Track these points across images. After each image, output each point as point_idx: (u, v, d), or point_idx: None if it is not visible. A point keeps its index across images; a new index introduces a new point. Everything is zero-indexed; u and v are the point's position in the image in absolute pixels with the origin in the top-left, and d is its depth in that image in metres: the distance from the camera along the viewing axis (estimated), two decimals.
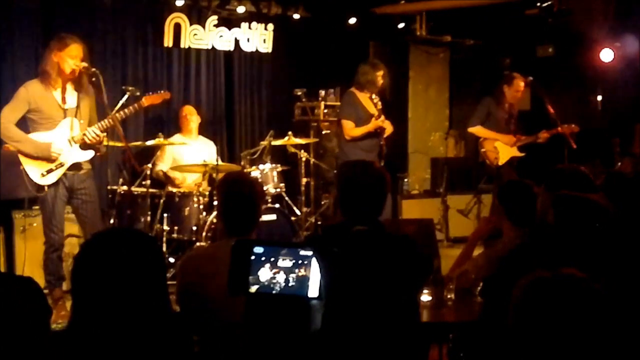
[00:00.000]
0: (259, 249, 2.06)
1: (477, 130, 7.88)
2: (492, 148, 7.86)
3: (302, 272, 2.02)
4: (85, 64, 5.58)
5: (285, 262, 2.03)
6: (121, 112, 5.84)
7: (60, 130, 5.63)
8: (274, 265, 2.03)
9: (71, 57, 5.55)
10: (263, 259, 2.04)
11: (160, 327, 1.97)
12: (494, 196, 6.99)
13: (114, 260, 1.95)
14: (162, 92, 6.40)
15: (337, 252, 2.13)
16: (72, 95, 5.68)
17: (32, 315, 2.62)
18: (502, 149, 7.85)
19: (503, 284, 2.82)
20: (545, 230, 3.18)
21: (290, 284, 2.02)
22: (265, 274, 2.03)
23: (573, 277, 1.91)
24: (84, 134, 5.65)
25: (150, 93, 6.28)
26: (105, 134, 5.73)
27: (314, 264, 2.03)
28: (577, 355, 1.84)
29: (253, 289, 2.04)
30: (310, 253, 2.04)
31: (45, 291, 5.42)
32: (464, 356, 3.62)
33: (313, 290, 2.03)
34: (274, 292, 2.03)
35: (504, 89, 7.82)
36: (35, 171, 5.57)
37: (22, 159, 5.58)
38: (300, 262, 2.02)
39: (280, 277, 2.03)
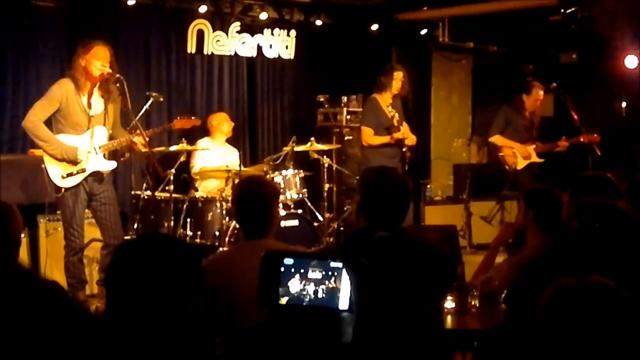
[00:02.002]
0: (288, 261, 2.03)
1: (496, 139, 7.94)
2: (510, 153, 7.88)
3: (333, 284, 1.99)
4: (109, 70, 5.60)
5: (315, 274, 2.01)
6: (150, 131, 5.97)
7: (88, 136, 5.66)
8: (304, 276, 2.01)
9: (97, 58, 5.57)
10: (293, 270, 2.02)
11: (188, 331, 1.97)
12: (518, 202, 6.95)
13: (152, 266, 1.95)
14: (193, 118, 6.61)
15: (368, 264, 2.11)
16: (99, 102, 5.71)
17: (56, 318, 2.64)
18: (520, 154, 7.86)
19: (528, 291, 2.81)
20: (570, 237, 3.16)
21: (320, 296, 1.99)
22: (295, 285, 2.01)
23: (602, 285, 1.89)
24: (135, 141, 5.73)
25: (181, 117, 6.51)
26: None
27: (345, 276, 2.00)
28: None
29: (283, 300, 2.02)
30: (340, 265, 2.01)
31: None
32: None
33: (343, 303, 2.00)
34: (303, 303, 2.01)
35: (523, 97, 7.82)
36: (56, 172, 5.60)
37: (45, 157, 5.60)
38: (330, 273, 2.00)
39: (310, 289, 2.00)
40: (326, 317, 2.04)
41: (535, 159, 7.89)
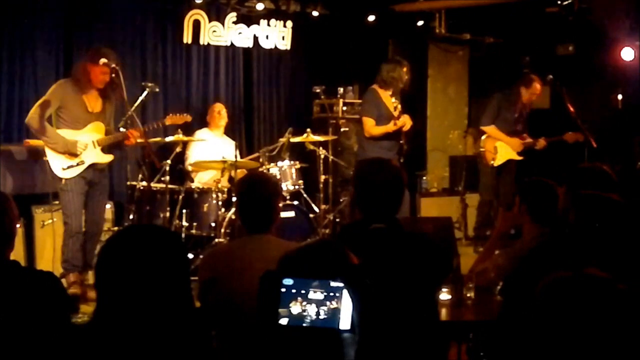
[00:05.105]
0: (288, 281, 2.02)
1: (490, 130, 7.83)
2: (491, 149, 7.80)
3: (334, 304, 1.98)
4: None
5: (316, 295, 2.00)
6: (145, 127, 6.32)
7: (87, 131, 5.93)
8: (305, 298, 2.00)
9: (103, 69, 5.83)
10: (294, 291, 2.01)
11: (181, 322, 1.97)
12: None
13: (138, 256, 1.96)
14: (184, 114, 6.93)
15: (370, 284, 2.09)
16: (97, 101, 5.98)
17: (52, 308, 2.64)
18: (501, 150, 7.78)
19: (523, 283, 2.81)
20: (566, 229, 3.15)
21: (321, 317, 1.98)
22: (296, 306, 2.00)
23: (596, 277, 1.89)
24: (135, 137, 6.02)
25: (172, 114, 6.86)
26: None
27: (345, 295, 2.00)
28: (599, 356, 1.82)
29: (284, 321, 2.01)
30: (341, 284, 2.00)
31: (62, 280, 5.56)
32: (484, 355, 3.60)
33: (345, 323, 1.99)
34: (304, 324, 2.00)
35: (521, 90, 7.76)
36: (57, 164, 5.84)
37: (47, 150, 5.84)
38: (332, 294, 1.99)
39: (312, 310, 1.99)
40: (327, 338, 2.02)
41: (515, 156, 7.85)
